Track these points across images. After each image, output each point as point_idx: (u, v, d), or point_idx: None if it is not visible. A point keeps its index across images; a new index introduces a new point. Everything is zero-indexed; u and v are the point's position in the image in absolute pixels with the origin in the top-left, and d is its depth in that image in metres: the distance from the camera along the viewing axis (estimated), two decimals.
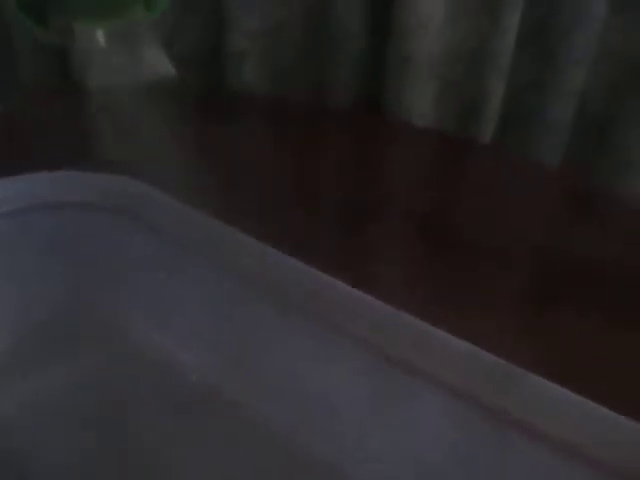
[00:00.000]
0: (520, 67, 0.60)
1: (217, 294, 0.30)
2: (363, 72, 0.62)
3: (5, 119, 0.49)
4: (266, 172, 0.49)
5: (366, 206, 0.47)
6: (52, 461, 0.28)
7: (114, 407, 0.30)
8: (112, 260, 0.32)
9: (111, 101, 0.35)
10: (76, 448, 0.28)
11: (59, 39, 0.35)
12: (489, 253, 0.43)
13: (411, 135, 0.58)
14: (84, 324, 0.33)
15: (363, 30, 0.61)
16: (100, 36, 0.32)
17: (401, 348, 0.25)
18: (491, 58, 0.58)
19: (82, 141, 0.47)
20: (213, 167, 0.48)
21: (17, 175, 0.32)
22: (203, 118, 0.54)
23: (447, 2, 0.57)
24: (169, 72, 0.32)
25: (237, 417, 0.29)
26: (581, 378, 0.24)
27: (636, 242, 0.45)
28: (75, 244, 0.32)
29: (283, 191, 0.47)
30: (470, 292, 0.39)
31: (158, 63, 0.32)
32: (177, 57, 0.63)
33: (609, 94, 0.61)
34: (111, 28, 0.32)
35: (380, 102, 0.62)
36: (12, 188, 0.32)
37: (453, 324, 0.25)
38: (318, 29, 0.62)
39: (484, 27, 0.58)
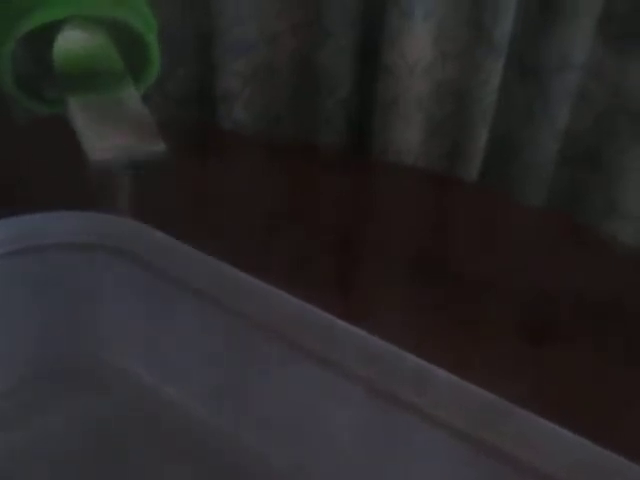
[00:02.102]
0: (505, 108, 0.61)
1: (216, 333, 0.30)
2: (352, 111, 0.63)
3: None
4: (257, 210, 0.49)
5: (358, 243, 0.47)
6: None
7: (114, 450, 0.30)
8: (111, 301, 0.32)
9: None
10: None
11: (53, 112, 0.36)
12: (480, 290, 0.43)
13: (399, 174, 0.58)
14: (84, 367, 0.33)
15: (351, 71, 0.62)
16: (91, 109, 0.33)
17: (396, 384, 0.25)
18: (476, 100, 0.59)
19: (74, 183, 0.47)
20: (205, 204, 0.49)
21: (10, 217, 0.32)
22: (194, 156, 0.54)
23: (434, 45, 0.59)
24: (159, 147, 0.33)
25: (237, 458, 0.29)
26: (574, 415, 0.24)
27: (623, 280, 0.45)
28: (72, 285, 0.32)
29: (277, 229, 0.47)
30: (463, 329, 0.39)
31: (148, 138, 0.33)
32: (168, 97, 0.64)
33: (593, 135, 0.62)
34: (102, 103, 0.34)
35: (369, 141, 0.62)
36: (5, 230, 0.31)
37: (448, 360, 0.25)
38: (307, 70, 0.63)
39: (470, 70, 0.59)
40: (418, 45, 0.58)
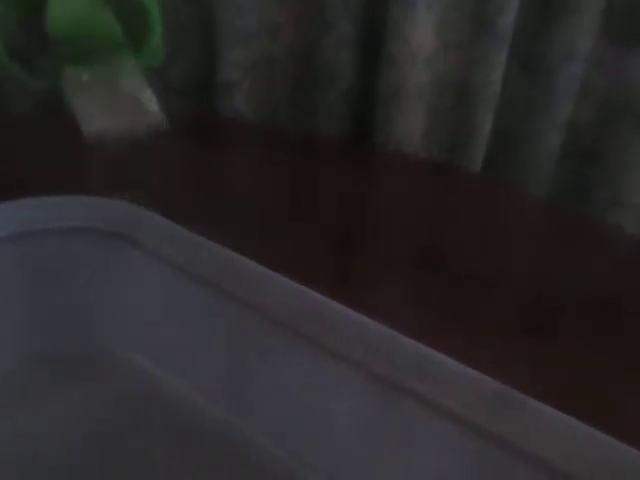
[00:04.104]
0: (508, 101, 0.61)
1: (218, 320, 0.29)
2: (353, 102, 0.63)
3: None
4: (261, 200, 0.49)
5: (360, 234, 0.47)
6: None
7: (114, 443, 0.29)
8: (112, 287, 0.32)
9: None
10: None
11: (49, 86, 0.36)
12: (480, 285, 0.43)
13: (402, 164, 0.58)
14: (84, 355, 0.32)
15: (353, 62, 0.61)
16: (88, 81, 0.33)
17: (400, 371, 0.25)
18: (479, 90, 0.59)
19: (74, 169, 0.47)
20: (206, 193, 0.48)
21: (8, 202, 0.31)
22: (195, 146, 0.54)
23: (436, 35, 0.58)
24: (159, 117, 0.32)
25: (238, 449, 0.29)
26: (573, 412, 0.24)
27: (620, 272, 0.45)
28: (72, 271, 0.32)
29: (280, 219, 0.47)
30: (466, 319, 0.39)
31: (147, 108, 0.32)
32: (169, 87, 0.63)
33: (595, 128, 0.62)
34: (99, 73, 0.33)
35: (371, 132, 0.62)
36: (4, 215, 0.31)
37: (452, 349, 0.25)
38: (308, 61, 0.62)
39: (473, 61, 0.59)
40: (421, 35, 0.57)
